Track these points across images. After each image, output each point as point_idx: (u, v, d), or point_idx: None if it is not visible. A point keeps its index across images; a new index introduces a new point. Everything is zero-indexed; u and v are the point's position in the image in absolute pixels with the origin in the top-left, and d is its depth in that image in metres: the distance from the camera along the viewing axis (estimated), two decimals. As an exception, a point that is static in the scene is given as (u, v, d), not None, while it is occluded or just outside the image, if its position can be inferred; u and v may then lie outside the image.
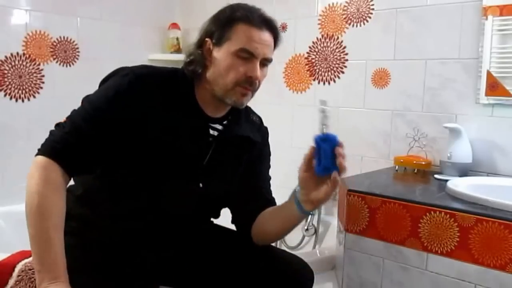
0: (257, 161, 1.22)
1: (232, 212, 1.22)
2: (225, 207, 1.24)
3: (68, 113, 1.06)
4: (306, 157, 1.02)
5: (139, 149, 1.04)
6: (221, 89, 1.07)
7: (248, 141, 1.17)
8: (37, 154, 0.99)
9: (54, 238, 0.93)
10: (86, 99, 1.07)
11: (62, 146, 0.99)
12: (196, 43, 1.11)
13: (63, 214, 0.97)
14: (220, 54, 1.06)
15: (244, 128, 1.17)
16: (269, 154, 1.27)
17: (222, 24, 1.07)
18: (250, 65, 1.06)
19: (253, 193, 1.15)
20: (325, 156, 0.98)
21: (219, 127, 1.14)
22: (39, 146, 1.01)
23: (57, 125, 1.04)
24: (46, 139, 1.02)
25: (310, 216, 2.05)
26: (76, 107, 1.07)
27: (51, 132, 1.03)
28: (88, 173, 1.07)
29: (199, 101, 1.11)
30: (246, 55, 1.05)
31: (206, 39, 1.09)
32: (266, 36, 1.08)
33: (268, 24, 1.08)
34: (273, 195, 1.24)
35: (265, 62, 1.09)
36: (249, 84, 1.07)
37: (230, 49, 1.05)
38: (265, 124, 1.27)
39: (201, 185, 1.13)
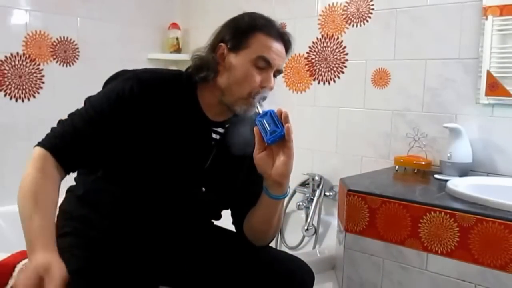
0: None
1: (232, 214, 1.22)
2: (226, 209, 1.23)
3: (68, 113, 1.06)
4: (256, 139, 1.04)
5: (140, 151, 1.04)
6: (233, 96, 1.07)
7: (249, 145, 1.17)
8: (36, 146, 1.00)
9: (45, 216, 0.91)
10: (88, 101, 1.07)
11: (59, 142, 1.00)
12: (209, 47, 1.10)
13: (56, 202, 0.97)
14: (237, 61, 1.06)
15: (245, 132, 1.16)
16: None
17: (240, 31, 1.07)
18: (265, 75, 1.07)
19: (253, 195, 1.15)
20: (268, 124, 1.02)
21: (221, 130, 1.14)
22: (39, 145, 1.02)
23: (59, 122, 1.05)
24: (47, 134, 1.03)
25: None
26: (76, 107, 1.07)
27: (52, 128, 1.04)
28: (83, 168, 1.08)
29: (202, 104, 1.11)
30: (263, 64, 1.06)
31: (221, 44, 1.08)
32: (282, 48, 1.10)
33: (283, 37, 1.10)
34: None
35: (276, 73, 1.11)
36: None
37: (248, 57, 1.06)
38: None
39: (203, 189, 1.13)
